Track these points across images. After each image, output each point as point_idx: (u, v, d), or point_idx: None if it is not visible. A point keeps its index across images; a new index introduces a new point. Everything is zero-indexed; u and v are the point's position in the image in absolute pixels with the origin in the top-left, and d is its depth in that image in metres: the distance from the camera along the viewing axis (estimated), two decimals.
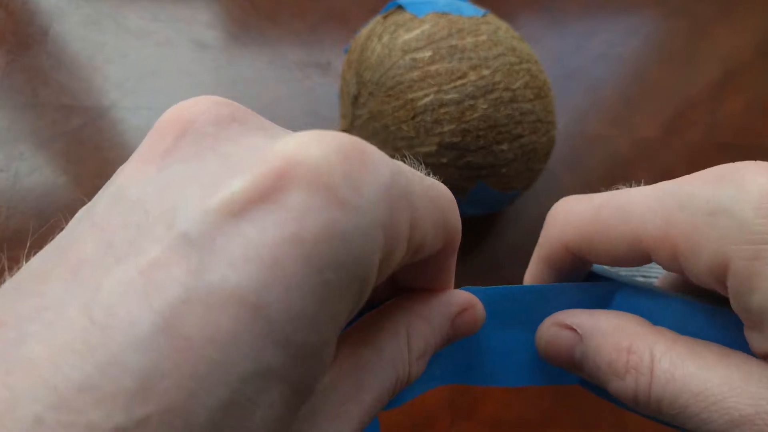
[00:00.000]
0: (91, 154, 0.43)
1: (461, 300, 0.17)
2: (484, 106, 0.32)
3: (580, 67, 0.49)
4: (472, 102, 0.31)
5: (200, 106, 0.12)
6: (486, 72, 0.32)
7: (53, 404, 0.08)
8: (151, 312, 0.09)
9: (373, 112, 0.34)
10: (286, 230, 0.10)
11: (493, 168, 0.33)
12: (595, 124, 0.47)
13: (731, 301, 0.15)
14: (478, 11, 0.35)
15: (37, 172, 0.42)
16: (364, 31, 0.36)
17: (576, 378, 0.19)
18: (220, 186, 0.10)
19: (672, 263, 0.15)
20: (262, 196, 0.10)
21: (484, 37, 0.33)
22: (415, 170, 0.13)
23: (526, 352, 0.19)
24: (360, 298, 0.11)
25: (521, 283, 0.21)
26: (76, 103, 0.44)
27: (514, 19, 0.50)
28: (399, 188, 0.12)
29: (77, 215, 0.13)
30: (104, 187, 0.12)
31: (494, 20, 0.35)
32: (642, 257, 0.16)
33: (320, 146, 0.11)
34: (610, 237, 0.16)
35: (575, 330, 0.17)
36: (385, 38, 0.34)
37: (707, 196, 0.14)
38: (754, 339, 0.15)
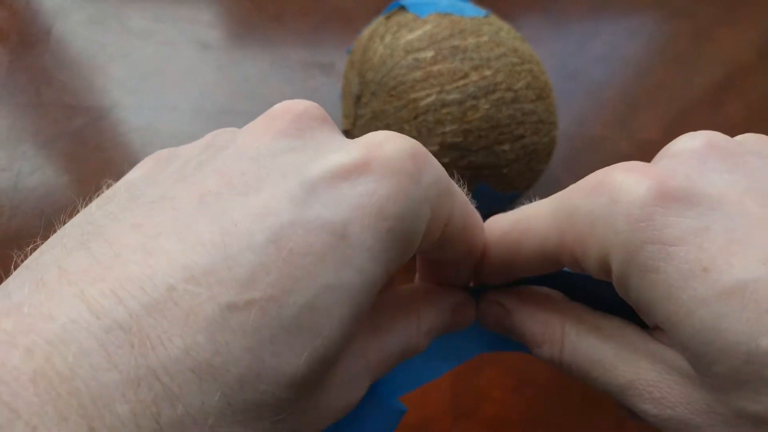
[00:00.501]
0: (93, 154, 0.43)
1: (462, 298, 0.21)
2: (486, 107, 0.32)
3: (581, 69, 0.49)
4: (474, 102, 0.32)
5: (306, 104, 0.16)
6: (488, 72, 0.32)
7: (183, 278, 0.12)
8: (266, 228, 0.13)
9: (375, 112, 0.34)
10: (368, 188, 0.14)
11: (495, 168, 0.33)
12: (596, 125, 0.47)
13: (616, 291, 0.17)
14: (480, 12, 0.35)
15: (40, 171, 0.42)
16: (367, 32, 0.36)
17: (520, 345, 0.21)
18: (321, 159, 0.14)
19: (575, 266, 0.18)
20: (353, 169, 0.14)
21: (486, 38, 0.33)
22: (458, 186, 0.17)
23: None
24: (406, 253, 0.15)
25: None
26: (79, 102, 0.44)
27: (515, 20, 0.50)
28: (446, 186, 0.16)
29: (170, 158, 0.16)
30: (217, 148, 0.15)
31: (496, 21, 0.35)
32: (552, 264, 0.19)
33: (395, 142, 0.15)
34: (522, 253, 0.19)
35: (504, 305, 0.21)
36: (388, 38, 0.34)
37: (587, 209, 0.16)
38: (642, 317, 0.17)
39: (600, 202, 0.16)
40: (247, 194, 0.13)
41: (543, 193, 0.43)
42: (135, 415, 0.11)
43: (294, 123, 0.15)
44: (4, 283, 0.13)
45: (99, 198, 0.15)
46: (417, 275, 0.22)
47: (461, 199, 0.17)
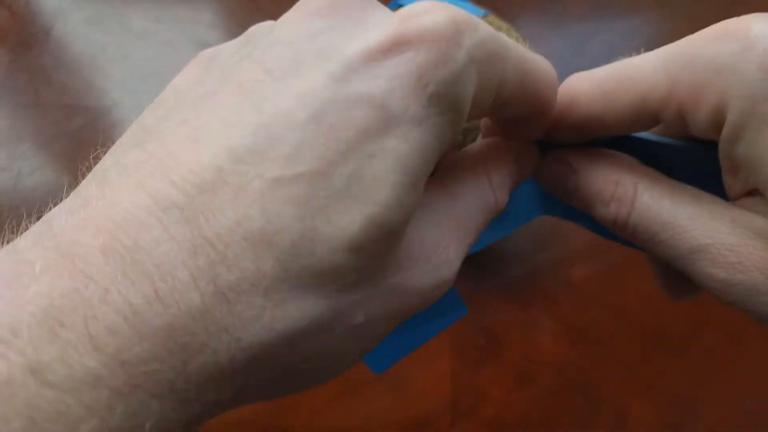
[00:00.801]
0: (92, 154, 0.43)
1: (525, 145, 0.20)
2: None
3: (580, 68, 0.49)
4: None
5: None
6: None
7: (230, 159, 0.13)
8: (305, 106, 0.13)
9: None
10: (406, 59, 0.14)
11: None
12: None
13: (720, 148, 0.16)
14: (479, 11, 0.35)
15: (39, 171, 0.42)
16: None
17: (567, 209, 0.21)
18: (358, 37, 0.14)
19: (678, 121, 0.17)
20: (392, 44, 0.14)
21: None
22: (519, 45, 0.16)
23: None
24: (456, 120, 0.15)
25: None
26: (78, 102, 0.44)
27: (514, 20, 0.50)
28: (494, 48, 0.15)
29: (212, 58, 0.16)
30: (256, 41, 0.15)
31: (495, 20, 0.35)
32: (649, 120, 0.18)
33: (434, 11, 0.14)
34: (617, 106, 0.18)
35: (570, 164, 0.20)
36: None
37: (711, 55, 0.15)
38: (728, 182, 0.17)
39: (730, 49, 0.15)
40: (286, 78, 0.14)
41: None
42: (194, 279, 0.12)
43: (329, 2, 0.15)
44: (76, 189, 0.14)
45: (150, 106, 0.16)
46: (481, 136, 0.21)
47: (517, 58, 0.16)
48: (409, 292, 0.15)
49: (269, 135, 0.13)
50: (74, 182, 0.15)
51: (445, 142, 0.15)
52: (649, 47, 0.52)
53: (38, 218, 0.14)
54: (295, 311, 0.13)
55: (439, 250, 0.16)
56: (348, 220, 0.13)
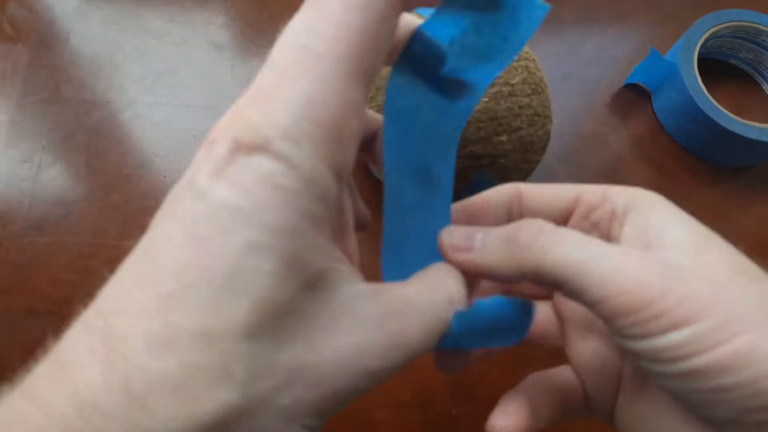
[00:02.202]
0: (110, 147, 0.45)
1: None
2: (485, 99, 0.34)
3: (574, 70, 0.51)
4: None
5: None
6: None
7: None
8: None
9: (381, 106, 0.36)
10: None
11: (493, 158, 0.36)
12: (589, 122, 0.49)
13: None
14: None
15: (59, 163, 0.44)
16: None
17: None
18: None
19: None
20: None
21: None
22: None
23: None
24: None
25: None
26: (97, 98, 0.46)
27: None
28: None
29: None
30: None
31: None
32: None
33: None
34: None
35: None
36: None
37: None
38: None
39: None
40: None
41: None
42: (110, 392, 0.13)
43: None
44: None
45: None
46: None
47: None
48: (343, 371, 0.16)
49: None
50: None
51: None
52: (640, 50, 0.55)
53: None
54: (210, 404, 0.13)
55: (383, 338, 0.17)
56: (236, 308, 0.14)
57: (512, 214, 0.24)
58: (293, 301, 0.15)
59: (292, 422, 0.15)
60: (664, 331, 0.17)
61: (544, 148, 0.39)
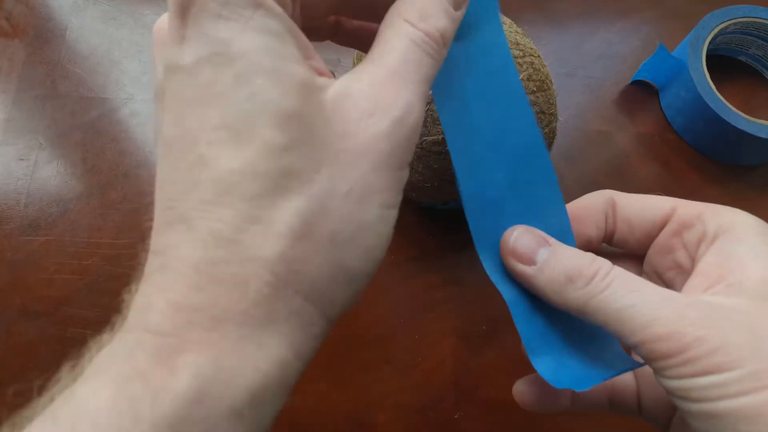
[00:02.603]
0: (107, 145, 0.44)
1: None
2: None
3: (579, 66, 0.50)
4: None
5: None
6: None
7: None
8: None
9: None
10: None
11: None
12: (595, 120, 0.48)
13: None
14: None
15: (56, 161, 0.43)
16: None
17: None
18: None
19: None
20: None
21: None
22: None
23: None
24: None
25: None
26: (94, 95, 0.45)
27: (516, 20, 0.51)
28: None
29: None
30: None
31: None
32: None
33: None
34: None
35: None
36: None
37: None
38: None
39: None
40: None
41: None
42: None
43: None
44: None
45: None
46: None
47: None
48: (369, 143, 0.17)
49: None
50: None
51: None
52: (646, 46, 0.54)
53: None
54: (287, 211, 0.16)
55: (379, 101, 0.17)
56: (262, 127, 0.16)
57: (608, 220, 0.25)
58: (302, 108, 0.17)
59: (364, 203, 0.17)
60: (695, 375, 0.18)
61: (549, 146, 0.38)
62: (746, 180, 0.47)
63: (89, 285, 0.41)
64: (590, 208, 0.25)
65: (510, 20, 0.37)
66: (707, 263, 0.22)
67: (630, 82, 0.50)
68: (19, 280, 0.40)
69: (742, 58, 0.51)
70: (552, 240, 0.23)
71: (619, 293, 0.20)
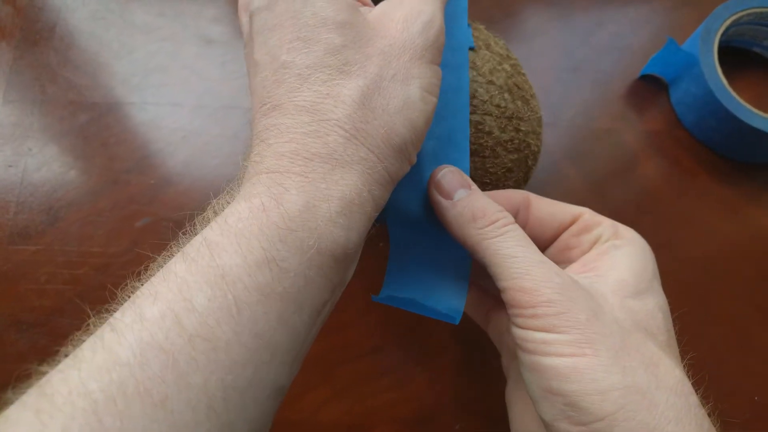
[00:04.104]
0: (98, 150, 0.43)
1: None
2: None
3: (587, 60, 0.48)
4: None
5: None
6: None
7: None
8: None
9: None
10: None
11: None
12: (602, 116, 0.46)
13: None
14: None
15: (45, 167, 0.42)
16: None
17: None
18: None
19: None
20: None
21: None
22: None
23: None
24: None
25: None
26: (83, 99, 0.44)
27: (520, 12, 0.49)
28: None
29: None
30: None
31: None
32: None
33: None
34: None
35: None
36: None
37: None
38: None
39: None
40: None
41: (549, 186, 0.42)
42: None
43: None
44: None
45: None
46: None
47: None
48: (405, 41, 0.23)
49: None
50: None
51: None
52: (657, 38, 0.51)
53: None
54: (350, 88, 0.22)
55: (411, 11, 0.24)
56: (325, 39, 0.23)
57: (519, 216, 0.28)
58: (352, 19, 0.23)
59: (406, 84, 0.23)
60: (534, 329, 0.22)
61: (529, 158, 0.35)
62: (760, 179, 0.45)
63: (80, 294, 0.40)
64: (510, 200, 0.28)
65: (483, 26, 0.35)
66: (589, 257, 0.26)
67: (638, 76, 0.48)
68: (10, 291, 0.40)
69: (756, 50, 0.48)
70: (474, 186, 0.27)
71: (509, 243, 0.24)
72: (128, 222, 0.41)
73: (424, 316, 0.39)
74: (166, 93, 0.45)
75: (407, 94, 0.23)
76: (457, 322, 0.26)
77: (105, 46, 0.46)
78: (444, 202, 0.26)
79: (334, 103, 0.22)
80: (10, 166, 0.42)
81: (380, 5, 0.25)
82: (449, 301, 0.27)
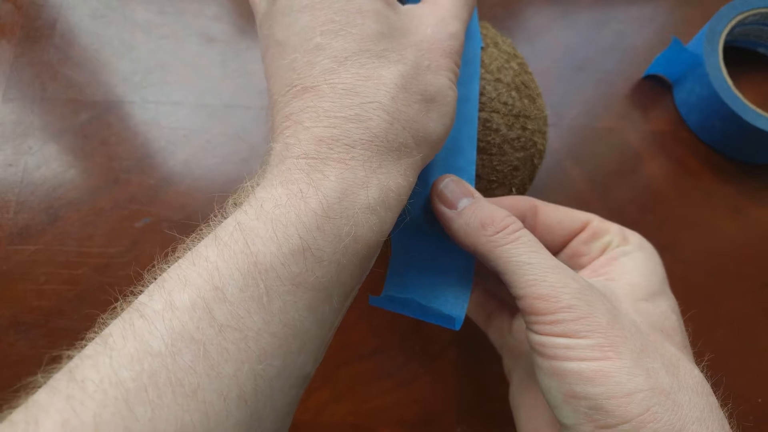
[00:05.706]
0: (98, 149, 0.43)
1: None
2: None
3: (591, 59, 0.48)
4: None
5: None
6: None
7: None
8: None
9: None
10: None
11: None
12: (606, 116, 0.46)
13: None
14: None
15: (45, 166, 0.42)
16: None
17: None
18: None
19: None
20: None
21: None
22: None
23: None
24: None
25: None
26: (84, 97, 0.44)
27: (524, 11, 0.49)
28: None
29: None
30: None
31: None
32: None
33: None
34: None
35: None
36: None
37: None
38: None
39: None
40: None
41: (550, 186, 0.42)
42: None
43: None
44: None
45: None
46: None
47: None
48: (437, 39, 0.24)
49: None
50: None
51: None
52: (661, 36, 0.51)
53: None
54: (391, 72, 0.22)
55: (441, 20, 0.25)
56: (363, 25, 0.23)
57: (526, 223, 0.28)
58: (387, 11, 0.24)
59: (438, 74, 0.24)
60: (555, 335, 0.22)
61: (535, 156, 0.35)
62: (764, 179, 0.45)
63: (80, 295, 0.39)
64: (516, 207, 0.28)
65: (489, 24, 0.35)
66: (599, 262, 0.27)
67: (643, 76, 0.47)
68: (9, 291, 0.39)
69: (761, 50, 0.48)
70: (477, 194, 0.27)
71: (522, 249, 0.23)
72: (128, 222, 0.41)
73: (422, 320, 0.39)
74: (166, 91, 0.44)
75: (441, 83, 0.23)
76: (457, 328, 0.26)
77: (106, 43, 0.45)
78: (448, 213, 0.26)
79: (376, 85, 0.22)
80: (10, 165, 0.42)
81: (408, 6, 0.26)
82: (450, 306, 0.27)
